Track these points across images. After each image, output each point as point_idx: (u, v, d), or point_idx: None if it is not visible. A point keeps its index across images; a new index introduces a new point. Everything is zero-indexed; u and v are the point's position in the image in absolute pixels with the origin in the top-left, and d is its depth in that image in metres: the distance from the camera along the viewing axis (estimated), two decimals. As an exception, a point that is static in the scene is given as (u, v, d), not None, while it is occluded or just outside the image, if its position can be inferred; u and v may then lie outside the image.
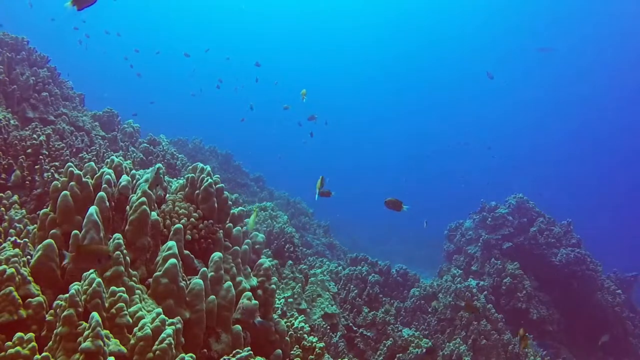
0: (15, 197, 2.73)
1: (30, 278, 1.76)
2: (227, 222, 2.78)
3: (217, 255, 2.36)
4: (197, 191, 2.67)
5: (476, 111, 35.91)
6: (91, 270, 1.78)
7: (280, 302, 3.96)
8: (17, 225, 2.34)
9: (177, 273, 2.09)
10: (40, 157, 3.34)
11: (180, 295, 2.10)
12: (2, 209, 2.52)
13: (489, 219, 7.58)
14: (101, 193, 2.16)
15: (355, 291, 5.44)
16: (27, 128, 3.78)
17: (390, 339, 4.73)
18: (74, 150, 4.00)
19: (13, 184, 2.93)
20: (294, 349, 2.76)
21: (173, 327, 1.80)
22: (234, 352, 2.13)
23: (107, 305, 1.74)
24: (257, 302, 2.45)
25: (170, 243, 2.14)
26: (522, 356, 4.92)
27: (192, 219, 2.57)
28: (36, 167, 3.22)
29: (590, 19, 27.89)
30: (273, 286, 2.74)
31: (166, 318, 1.82)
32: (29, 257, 1.97)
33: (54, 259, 1.93)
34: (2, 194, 2.67)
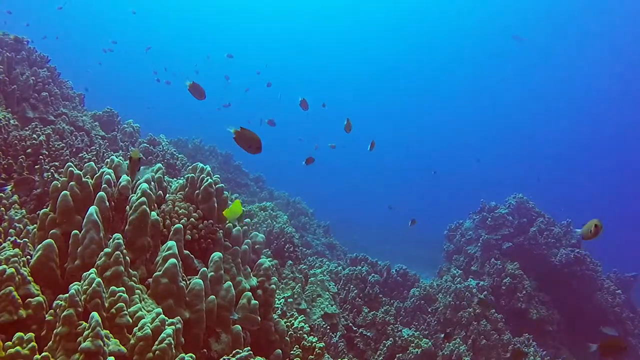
0: (15, 197, 2.73)
1: (30, 278, 1.76)
2: (227, 222, 2.78)
3: (217, 255, 2.36)
4: (197, 191, 2.68)
5: (476, 109, 35.94)
6: (91, 270, 1.78)
7: (280, 302, 3.96)
8: (17, 225, 2.34)
9: (177, 273, 2.09)
10: (40, 157, 3.34)
11: (180, 295, 2.10)
12: (2, 209, 2.52)
13: (489, 219, 7.58)
14: (101, 193, 2.16)
15: (355, 291, 5.44)
16: (27, 128, 3.78)
17: (390, 339, 4.73)
18: (74, 150, 4.00)
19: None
20: (294, 349, 2.76)
21: (173, 327, 1.80)
22: (233, 352, 2.13)
23: (107, 305, 1.74)
24: (257, 302, 2.45)
25: (170, 243, 2.14)
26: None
27: (192, 219, 2.57)
28: (36, 167, 3.22)
29: (589, 18, 27.89)
30: (273, 286, 2.75)
31: (166, 318, 1.82)
32: (28, 257, 1.97)
33: (54, 259, 1.93)
34: (2, 194, 2.67)
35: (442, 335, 4.75)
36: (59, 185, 2.23)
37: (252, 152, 2.34)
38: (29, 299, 1.70)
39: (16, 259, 1.74)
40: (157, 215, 2.38)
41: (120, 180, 2.41)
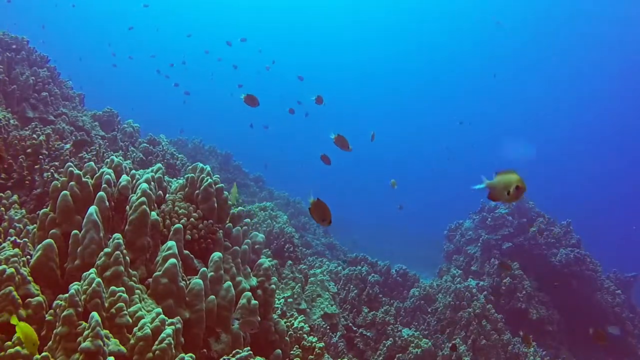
0: (15, 197, 2.73)
1: (30, 278, 1.76)
2: (227, 222, 2.78)
3: (216, 255, 2.36)
4: (197, 191, 2.68)
5: (475, 109, 35.93)
6: (91, 270, 1.78)
7: (280, 302, 3.96)
8: (17, 225, 2.34)
9: (177, 273, 2.09)
10: (40, 157, 3.34)
11: (180, 295, 2.10)
12: (2, 209, 2.52)
13: (489, 219, 7.58)
14: (101, 193, 2.16)
15: (355, 291, 5.45)
16: (27, 128, 3.78)
17: (390, 339, 4.73)
18: (74, 150, 3.99)
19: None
20: (294, 349, 2.76)
21: (173, 327, 1.80)
22: (233, 352, 2.13)
23: (106, 305, 1.74)
24: (257, 302, 2.45)
25: (170, 243, 2.14)
26: (522, 356, 4.92)
27: (192, 219, 2.57)
28: (36, 167, 3.22)
29: (590, 19, 27.90)
30: (273, 286, 2.75)
31: (166, 318, 1.82)
32: (28, 257, 1.97)
33: (54, 259, 1.93)
34: (2, 194, 2.67)
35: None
36: (59, 185, 2.22)
37: (323, 224, 2.37)
38: (29, 299, 1.70)
39: (16, 259, 1.74)
40: (157, 215, 2.38)
41: (120, 180, 2.41)
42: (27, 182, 3.14)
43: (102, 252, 1.92)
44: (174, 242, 2.15)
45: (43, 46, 5.47)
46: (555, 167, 32.38)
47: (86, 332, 1.51)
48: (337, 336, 4.44)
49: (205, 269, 2.28)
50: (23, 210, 2.65)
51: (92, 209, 2.02)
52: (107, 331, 1.66)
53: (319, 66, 38.26)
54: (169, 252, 2.10)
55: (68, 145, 3.16)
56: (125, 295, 1.80)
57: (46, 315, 1.70)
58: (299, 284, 4.53)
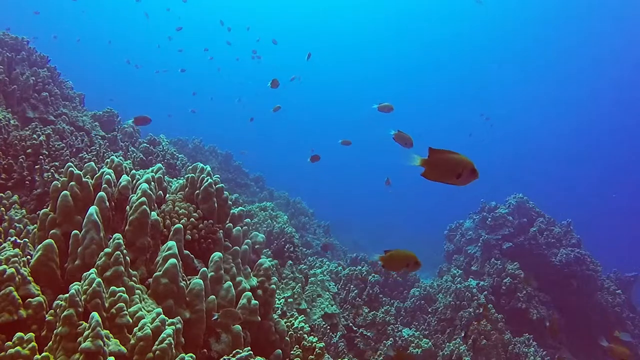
0: (15, 197, 2.73)
1: (30, 278, 1.76)
2: (227, 222, 2.78)
3: (217, 255, 2.36)
4: (197, 191, 2.68)
5: (477, 107, 35.92)
6: (91, 270, 1.78)
7: (280, 302, 3.96)
8: (17, 225, 2.34)
9: (177, 273, 2.09)
10: (40, 157, 3.34)
11: (180, 295, 2.10)
12: (2, 209, 2.52)
13: (489, 219, 7.58)
14: (101, 193, 2.16)
15: (355, 291, 5.45)
16: (27, 128, 3.78)
17: (390, 339, 4.74)
18: (74, 150, 4.00)
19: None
20: (294, 349, 2.76)
21: (173, 327, 1.80)
22: (234, 352, 2.13)
23: (107, 305, 1.74)
24: (257, 302, 2.45)
25: (170, 243, 2.14)
26: (522, 356, 4.92)
27: (192, 219, 2.57)
28: (36, 167, 3.22)
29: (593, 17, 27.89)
30: (273, 286, 2.74)
31: (166, 318, 1.82)
32: (29, 257, 1.97)
33: (54, 259, 1.93)
34: (2, 194, 2.67)
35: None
36: (59, 185, 2.22)
37: (408, 269, 2.44)
38: (29, 299, 1.70)
39: (16, 259, 1.74)
40: (157, 215, 2.38)
41: (120, 180, 2.41)
42: (27, 182, 3.14)
43: (102, 252, 1.92)
44: (174, 242, 2.15)
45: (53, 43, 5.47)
46: (555, 167, 32.39)
47: (86, 332, 1.51)
48: (337, 336, 4.44)
49: (205, 269, 2.28)
50: (23, 211, 2.65)
51: (93, 209, 2.02)
52: (108, 331, 1.66)
53: (319, 65, 38.28)
54: (169, 252, 2.10)
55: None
56: (125, 295, 1.80)
57: (46, 316, 1.70)
58: (299, 284, 4.53)
